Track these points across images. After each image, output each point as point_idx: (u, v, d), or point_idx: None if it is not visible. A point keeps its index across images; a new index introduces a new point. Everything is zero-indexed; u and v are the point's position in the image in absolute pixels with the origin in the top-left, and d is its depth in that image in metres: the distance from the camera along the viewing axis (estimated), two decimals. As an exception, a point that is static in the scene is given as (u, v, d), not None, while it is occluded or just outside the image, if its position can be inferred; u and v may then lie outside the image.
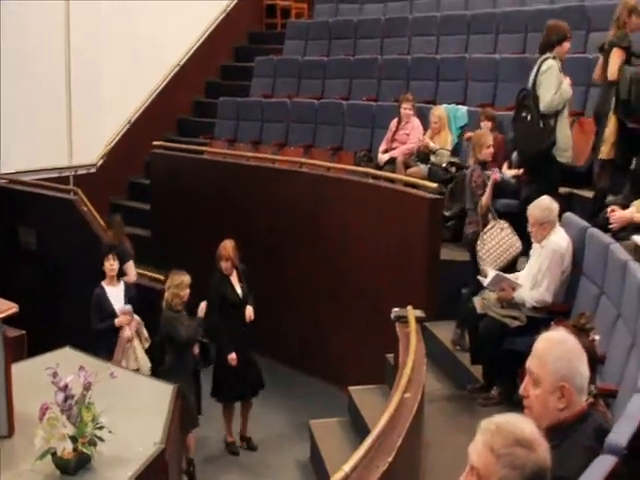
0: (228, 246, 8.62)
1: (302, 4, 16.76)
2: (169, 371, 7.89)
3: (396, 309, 6.91)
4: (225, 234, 8.78)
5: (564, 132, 7.69)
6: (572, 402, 3.09)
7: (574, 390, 3.09)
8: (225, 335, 8.45)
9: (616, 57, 7.62)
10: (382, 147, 10.35)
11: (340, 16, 14.79)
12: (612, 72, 7.63)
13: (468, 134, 8.38)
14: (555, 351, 3.12)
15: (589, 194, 8.39)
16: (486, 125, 9.24)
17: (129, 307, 8.49)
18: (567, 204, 8.12)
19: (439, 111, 10.09)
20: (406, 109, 10.22)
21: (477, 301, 6.70)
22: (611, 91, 7.67)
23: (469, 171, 7.99)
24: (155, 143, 12.99)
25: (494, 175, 7.80)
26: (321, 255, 10.07)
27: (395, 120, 10.37)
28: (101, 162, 13.99)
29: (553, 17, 11.06)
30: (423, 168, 9.65)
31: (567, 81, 7.69)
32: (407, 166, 9.85)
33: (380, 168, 10.03)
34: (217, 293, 8.53)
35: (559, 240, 6.50)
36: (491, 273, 6.71)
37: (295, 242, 10.41)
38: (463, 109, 10.36)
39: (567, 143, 7.70)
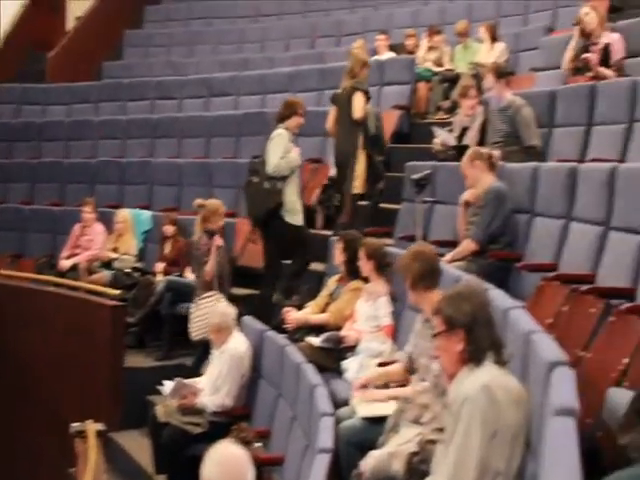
0: None
1: (-17, 105, 16.23)
2: None
3: (75, 424, 6.68)
4: None
5: (291, 197, 7.86)
6: None
7: None
8: None
9: (360, 99, 8.23)
10: (65, 253, 10.13)
11: (23, 117, 14.45)
12: (358, 111, 8.19)
13: (199, 202, 8.43)
14: (209, 462, 3.12)
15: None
16: (168, 230, 9.30)
17: None
18: (247, 306, 8.28)
19: (124, 212, 10.08)
20: (87, 213, 10.09)
21: (159, 409, 6.59)
22: (356, 131, 8.23)
23: (196, 238, 8.12)
24: None
25: (217, 242, 7.94)
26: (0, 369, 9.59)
27: (78, 225, 10.20)
28: None
29: (235, 123, 11.49)
30: (107, 274, 9.51)
31: (296, 151, 7.94)
32: (91, 272, 9.67)
33: (63, 275, 9.79)
34: None
35: (238, 344, 6.56)
36: (168, 384, 6.66)
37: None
38: (147, 213, 10.35)
39: (295, 208, 7.87)
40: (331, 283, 6.93)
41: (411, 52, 11.82)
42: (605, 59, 7.80)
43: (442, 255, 6.46)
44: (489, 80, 7.66)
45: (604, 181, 5.50)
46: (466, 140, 7.87)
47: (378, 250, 6.33)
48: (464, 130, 8.07)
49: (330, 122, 8.64)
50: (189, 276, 8.78)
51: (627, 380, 4.01)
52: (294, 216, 7.87)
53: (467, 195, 6.68)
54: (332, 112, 8.59)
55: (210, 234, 8.02)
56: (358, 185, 8.27)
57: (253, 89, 12.70)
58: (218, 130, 11.71)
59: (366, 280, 6.42)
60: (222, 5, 17.25)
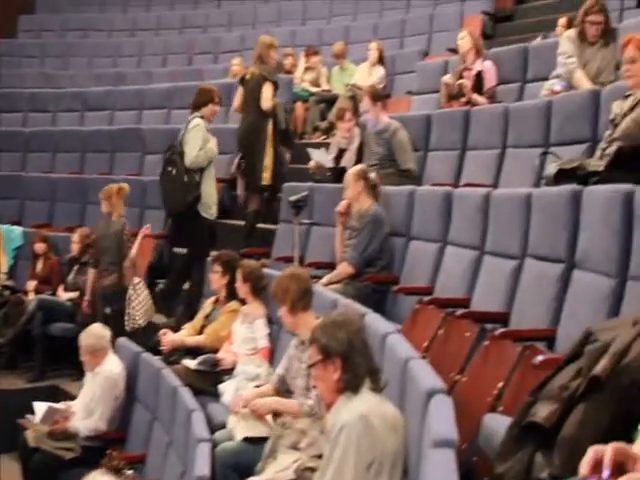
0: None
1: None
2: None
3: (-60, 449, 6.44)
4: None
5: (209, 190, 7.77)
6: None
7: None
8: None
9: (269, 90, 8.32)
10: None
11: None
12: (267, 101, 8.27)
13: (113, 186, 8.39)
14: None
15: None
16: (39, 248, 9.11)
17: None
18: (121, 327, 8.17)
19: (-5, 229, 9.84)
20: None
21: (29, 434, 6.41)
22: (264, 122, 8.30)
23: (119, 224, 8.06)
24: None
25: (147, 231, 8.04)
26: None
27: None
28: None
29: (110, 138, 11.30)
30: (-24, 292, 9.25)
31: (213, 141, 7.84)
32: (-40, 290, 9.38)
33: None
34: None
35: (112, 367, 6.44)
36: (41, 407, 6.49)
37: None
38: (18, 230, 10.11)
39: (211, 200, 7.80)
40: (207, 305, 6.87)
41: (289, 72, 11.85)
42: (478, 86, 7.99)
43: (319, 277, 6.51)
44: (365, 103, 7.73)
45: (478, 206, 5.62)
46: (343, 162, 7.93)
47: (255, 272, 6.31)
48: (341, 152, 8.14)
49: (237, 102, 8.72)
50: (62, 295, 8.61)
51: (502, 404, 4.09)
52: (209, 210, 7.80)
53: (340, 207, 6.74)
54: (240, 92, 8.67)
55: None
56: (267, 177, 8.36)
57: (129, 104, 12.55)
58: (93, 145, 11.51)
59: (243, 302, 6.39)
60: (98, 18, 17.03)
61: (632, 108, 5.21)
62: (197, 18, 16.26)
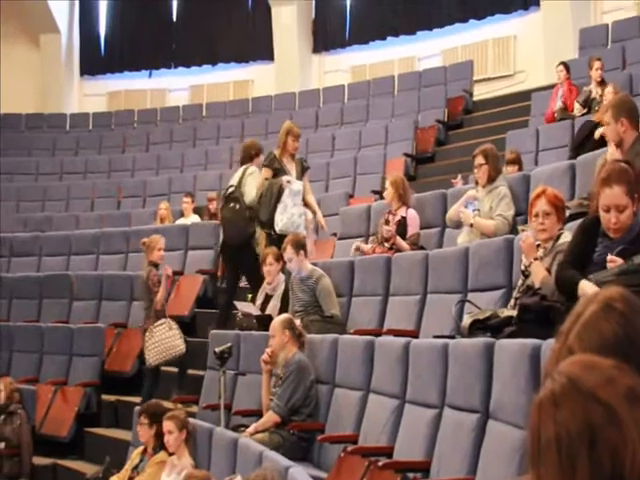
0: None
1: None
2: None
3: None
4: None
5: (256, 228, 8.81)
6: None
7: None
8: None
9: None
10: None
11: None
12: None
13: (143, 240, 8.95)
14: None
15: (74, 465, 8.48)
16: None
17: None
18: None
19: None
20: None
21: None
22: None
23: (146, 272, 8.61)
24: None
25: (167, 271, 8.54)
26: None
27: None
28: None
29: (37, 284, 11.26)
30: None
31: None
32: None
33: None
34: None
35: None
36: None
37: None
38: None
39: (260, 237, 8.79)
40: (135, 455, 6.87)
41: (214, 215, 11.98)
42: (402, 231, 8.20)
43: (246, 426, 6.58)
44: (289, 252, 7.81)
45: (398, 355, 5.77)
46: (268, 309, 8.05)
47: (187, 419, 6.40)
48: (268, 298, 8.26)
49: None
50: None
51: None
52: (258, 245, 8.77)
53: (264, 355, 6.85)
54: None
55: (155, 266, 8.60)
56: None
57: (57, 250, 12.52)
58: (19, 292, 11.42)
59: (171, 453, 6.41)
60: (25, 161, 17.13)
61: (541, 258, 5.44)
62: (125, 161, 16.51)
